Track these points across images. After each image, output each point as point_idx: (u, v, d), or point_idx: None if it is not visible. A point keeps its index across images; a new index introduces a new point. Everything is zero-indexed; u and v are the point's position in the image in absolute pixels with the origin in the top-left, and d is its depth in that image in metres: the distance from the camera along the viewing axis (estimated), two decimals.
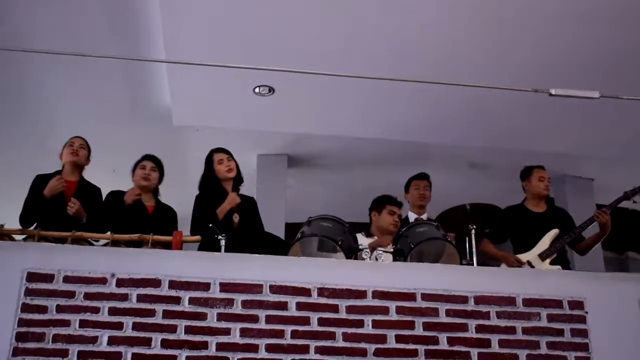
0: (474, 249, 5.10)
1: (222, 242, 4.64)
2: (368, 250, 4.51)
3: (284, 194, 8.18)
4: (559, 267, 5.59)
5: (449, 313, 4.12)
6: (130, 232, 4.86)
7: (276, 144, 8.10)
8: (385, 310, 4.08)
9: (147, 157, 5.66)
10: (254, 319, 3.98)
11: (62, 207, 5.23)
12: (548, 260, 5.64)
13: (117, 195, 5.46)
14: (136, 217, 5.32)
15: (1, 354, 3.76)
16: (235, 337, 3.93)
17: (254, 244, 4.98)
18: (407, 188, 6.34)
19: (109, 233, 4.77)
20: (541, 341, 4.11)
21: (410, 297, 4.13)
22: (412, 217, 6.13)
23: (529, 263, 5.63)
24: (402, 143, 7.77)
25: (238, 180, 5.67)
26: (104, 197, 5.52)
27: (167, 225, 5.40)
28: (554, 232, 5.72)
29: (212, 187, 5.53)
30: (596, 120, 7.10)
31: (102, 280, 3.98)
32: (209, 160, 5.65)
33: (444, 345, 4.04)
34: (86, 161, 5.64)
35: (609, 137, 7.51)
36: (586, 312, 4.23)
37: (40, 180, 5.42)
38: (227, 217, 5.35)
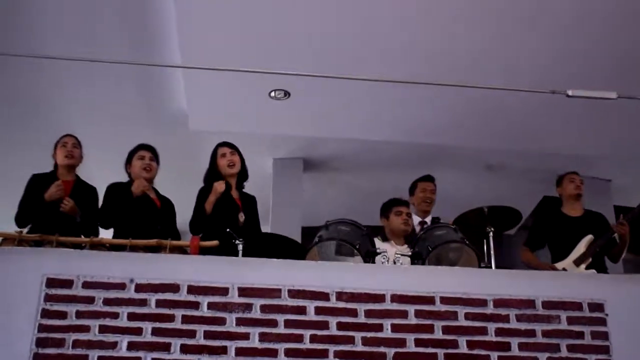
0: (492, 252, 5.07)
1: (240, 247, 4.65)
2: (386, 254, 4.50)
3: (300, 197, 8.19)
4: (593, 271, 5.55)
5: (468, 316, 4.10)
6: (141, 225, 4.87)
7: (292, 148, 8.10)
8: (404, 314, 4.07)
9: (145, 147, 5.53)
10: (273, 323, 3.98)
11: (57, 208, 5.12)
12: (583, 266, 5.61)
13: (120, 187, 5.36)
14: (145, 211, 5.27)
15: (22, 359, 3.77)
16: (254, 342, 3.93)
17: (267, 246, 4.97)
18: (412, 190, 6.28)
19: (127, 239, 4.76)
20: (561, 344, 4.09)
21: (429, 300, 4.12)
22: (416, 220, 6.08)
23: (565, 270, 5.59)
24: (419, 145, 7.76)
25: (243, 176, 5.61)
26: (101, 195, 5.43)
27: (173, 218, 5.42)
28: (588, 238, 5.70)
29: (214, 181, 5.43)
30: (613, 121, 7.06)
31: (121, 286, 4.00)
32: (214, 154, 5.60)
33: (463, 348, 4.02)
34: (80, 160, 5.50)
35: (626, 138, 7.47)
36: (606, 315, 4.19)
37: (37, 180, 5.30)
38: (233, 216, 5.31)
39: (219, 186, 5.33)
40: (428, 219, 6.09)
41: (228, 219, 5.20)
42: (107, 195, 5.33)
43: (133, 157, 5.49)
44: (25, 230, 5.00)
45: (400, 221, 5.67)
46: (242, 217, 5.35)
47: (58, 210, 5.11)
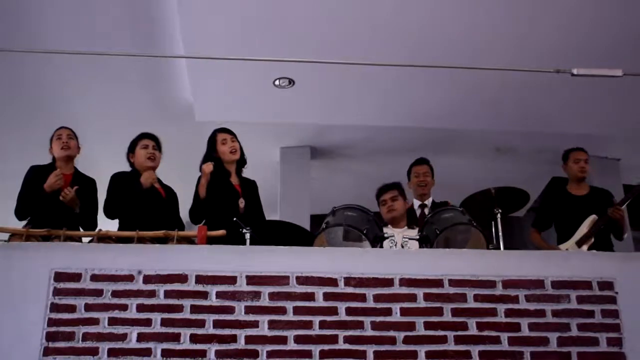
0: (500, 233, 5.05)
1: (247, 236, 4.65)
2: (394, 238, 4.49)
3: (308, 185, 8.19)
4: (594, 251, 5.54)
5: (477, 298, 4.09)
6: (147, 215, 4.88)
7: (299, 136, 8.09)
8: (413, 298, 4.05)
9: (147, 136, 5.47)
10: (282, 310, 3.98)
11: (56, 199, 5.02)
12: (585, 247, 5.60)
13: (125, 177, 5.31)
14: (151, 201, 5.21)
15: (32, 353, 3.79)
16: (264, 330, 3.93)
17: (275, 234, 4.96)
18: (408, 175, 6.28)
19: (135, 231, 4.76)
20: (571, 323, 4.07)
21: (438, 283, 4.10)
22: (416, 204, 6.09)
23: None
24: (426, 130, 7.73)
25: (241, 162, 5.59)
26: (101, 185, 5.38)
27: (176, 207, 5.40)
28: (591, 219, 5.70)
29: (214, 167, 5.37)
30: (621, 99, 7.02)
31: (129, 278, 4.00)
32: (212, 140, 5.54)
33: (473, 330, 4.01)
34: (77, 151, 5.41)
35: (635, 117, 7.42)
36: (616, 293, 4.17)
37: (36, 172, 5.22)
38: (233, 202, 5.29)
39: (207, 167, 5.29)
40: (428, 202, 6.07)
41: (228, 206, 5.21)
42: (113, 186, 5.27)
43: (136, 146, 5.42)
44: (24, 223, 4.98)
45: (385, 211, 5.67)
46: (242, 203, 5.34)
47: (57, 201, 5.02)
